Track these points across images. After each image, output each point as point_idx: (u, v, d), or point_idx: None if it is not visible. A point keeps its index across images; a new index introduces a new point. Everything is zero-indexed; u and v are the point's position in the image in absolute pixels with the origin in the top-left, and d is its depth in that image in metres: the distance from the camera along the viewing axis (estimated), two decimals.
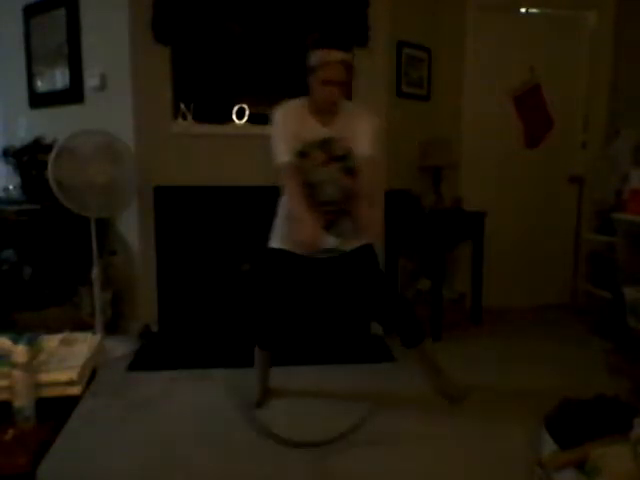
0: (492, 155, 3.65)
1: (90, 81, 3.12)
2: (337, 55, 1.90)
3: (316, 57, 1.92)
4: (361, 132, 2.01)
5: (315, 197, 2.05)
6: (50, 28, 3.25)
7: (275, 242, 2.17)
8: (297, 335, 2.89)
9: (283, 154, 1.98)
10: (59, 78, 3.28)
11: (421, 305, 3.27)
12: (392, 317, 2.25)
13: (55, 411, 1.08)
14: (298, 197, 1.97)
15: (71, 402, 1.12)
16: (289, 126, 2.00)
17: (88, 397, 1.21)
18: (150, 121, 2.95)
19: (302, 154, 2.01)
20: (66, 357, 1.20)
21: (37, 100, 3.43)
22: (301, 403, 2.33)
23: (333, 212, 2.07)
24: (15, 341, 1.06)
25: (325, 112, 2.03)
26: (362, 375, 2.61)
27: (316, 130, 2.02)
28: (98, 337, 1.36)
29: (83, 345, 1.28)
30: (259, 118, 2.88)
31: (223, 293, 3.03)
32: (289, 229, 2.06)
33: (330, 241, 2.07)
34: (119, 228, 3.14)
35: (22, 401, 1.01)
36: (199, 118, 2.96)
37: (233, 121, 2.99)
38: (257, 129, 2.89)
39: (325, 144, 2.02)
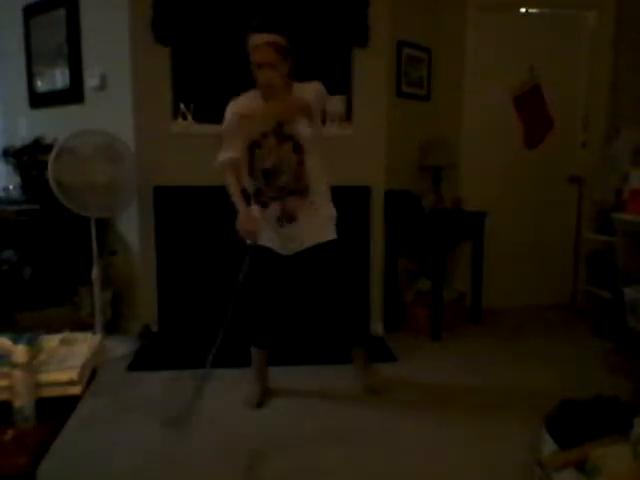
0: (492, 155, 3.65)
1: (90, 81, 3.12)
2: (262, 37, 1.99)
3: (248, 43, 2.03)
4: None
5: (272, 183, 2.11)
6: (50, 28, 3.26)
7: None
8: (296, 334, 2.89)
9: (224, 152, 2.12)
10: (59, 78, 3.29)
11: (421, 305, 3.28)
12: (333, 320, 2.36)
13: (55, 411, 1.08)
14: (238, 193, 2.12)
15: (71, 402, 1.12)
16: (239, 121, 2.11)
17: (88, 397, 1.21)
18: (150, 121, 2.95)
19: (256, 144, 2.09)
20: (66, 357, 1.20)
21: (37, 100, 3.43)
22: (301, 403, 2.33)
23: (286, 196, 2.12)
24: (15, 341, 1.06)
25: (272, 97, 2.09)
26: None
27: (267, 118, 2.09)
28: (98, 337, 1.36)
29: (83, 345, 1.28)
30: None
31: (223, 293, 3.02)
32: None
33: (290, 245, 2.19)
34: (119, 228, 3.14)
35: (22, 401, 1.01)
36: (199, 118, 2.95)
37: None
38: None
39: (276, 129, 2.08)
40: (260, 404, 2.28)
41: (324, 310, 2.38)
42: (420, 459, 1.90)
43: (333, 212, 2.26)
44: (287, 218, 2.14)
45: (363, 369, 2.48)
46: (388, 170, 3.17)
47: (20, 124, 3.46)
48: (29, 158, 3.08)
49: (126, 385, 2.49)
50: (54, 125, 3.16)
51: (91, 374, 1.24)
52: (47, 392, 1.09)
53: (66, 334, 1.33)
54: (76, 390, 1.13)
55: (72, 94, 3.20)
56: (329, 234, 2.23)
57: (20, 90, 3.45)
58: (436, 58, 3.53)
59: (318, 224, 2.20)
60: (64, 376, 1.12)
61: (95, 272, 2.82)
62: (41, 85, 3.41)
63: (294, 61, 2.10)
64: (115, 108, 3.01)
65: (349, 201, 3.06)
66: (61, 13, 3.19)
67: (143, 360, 2.78)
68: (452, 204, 3.38)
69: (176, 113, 2.95)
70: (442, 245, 3.18)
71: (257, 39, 2.00)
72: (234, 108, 2.15)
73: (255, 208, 2.19)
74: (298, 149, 2.09)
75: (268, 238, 2.20)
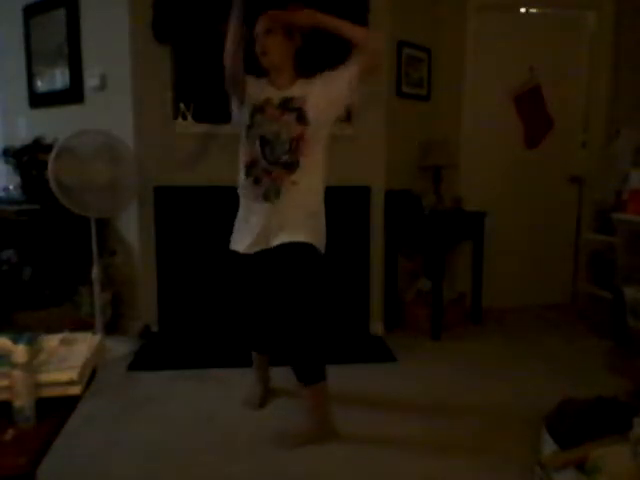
0: (492, 155, 3.65)
1: (90, 81, 3.12)
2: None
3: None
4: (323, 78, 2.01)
5: (267, 154, 1.98)
6: (50, 28, 3.26)
7: (232, 243, 2.14)
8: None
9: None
10: (59, 78, 3.29)
11: (421, 305, 3.28)
12: (285, 344, 2.02)
13: (55, 411, 1.08)
14: None
15: (71, 402, 1.12)
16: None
17: (88, 397, 1.21)
18: (150, 121, 2.95)
19: (259, 109, 1.99)
20: (66, 357, 1.20)
21: (37, 100, 3.43)
22: (301, 403, 2.33)
23: (277, 168, 1.97)
24: (15, 341, 1.06)
25: (276, 73, 2.01)
26: (362, 375, 2.61)
27: (273, 92, 2.00)
28: (98, 337, 1.36)
29: (83, 345, 1.28)
30: None
31: (223, 293, 3.03)
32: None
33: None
34: (119, 228, 3.14)
35: (22, 401, 1.01)
36: (199, 118, 2.95)
37: None
38: None
39: (284, 103, 1.97)
40: (261, 405, 2.28)
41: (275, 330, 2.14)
42: (419, 458, 1.90)
43: (317, 210, 2.06)
44: (274, 191, 1.97)
45: (311, 418, 2.05)
46: (388, 170, 3.17)
47: (20, 124, 3.46)
48: (29, 158, 3.08)
49: (126, 385, 2.49)
50: (54, 125, 3.16)
51: (91, 374, 1.24)
52: (47, 392, 1.09)
53: (66, 334, 1.33)
54: (76, 390, 1.13)
55: (72, 94, 3.20)
56: (303, 234, 1.98)
57: (20, 90, 3.45)
58: (436, 58, 3.53)
59: (295, 214, 1.98)
60: (64, 376, 1.11)
61: (95, 272, 2.82)
62: (41, 85, 3.41)
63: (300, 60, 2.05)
64: (115, 108, 3.01)
65: (349, 201, 3.07)
66: (61, 13, 3.19)
67: (143, 360, 2.78)
68: (452, 204, 3.38)
69: (176, 113, 2.95)
70: (442, 245, 3.18)
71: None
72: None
73: (246, 185, 2.03)
74: (302, 120, 1.95)
75: (248, 243, 2.05)
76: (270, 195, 1.97)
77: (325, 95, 1.98)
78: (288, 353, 2.01)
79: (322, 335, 2.03)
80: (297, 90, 1.99)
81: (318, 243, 2.02)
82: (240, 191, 2.10)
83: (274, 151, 1.96)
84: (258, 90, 2.01)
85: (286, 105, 1.97)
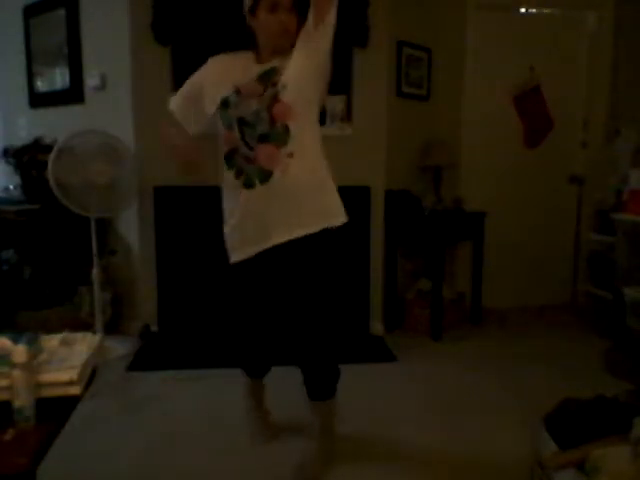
0: (492, 155, 3.65)
1: (90, 81, 3.12)
2: None
3: None
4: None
5: (248, 137, 1.69)
6: (50, 28, 3.26)
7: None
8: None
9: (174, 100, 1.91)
10: (59, 78, 3.29)
11: (421, 305, 3.28)
12: (300, 354, 1.80)
13: (55, 411, 1.08)
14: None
15: (71, 402, 1.12)
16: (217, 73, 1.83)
17: (88, 397, 1.21)
18: (150, 121, 2.94)
19: (236, 91, 1.69)
20: (66, 357, 1.20)
21: (37, 100, 3.43)
22: (301, 403, 2.32)
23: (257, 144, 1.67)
24: (15, 341, 1.06)
25: (277, 53, 1.70)
26: (362, 375, 2.61)
27: (256, 68, 1.70)
28: (98, 337, 1.36)
29: (83, 345, 1.28)
30: None
31: (223, 293, 3.03)
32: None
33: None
34: (119, 228, 3.14)
35: (22, 401, 1.01)
36: None
37: None
38: None
39: (264, 76, 1.67)
40: (275, 434, 2.07)
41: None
42: (420, 457, 1.90)
43: (326, 175, 1.76)
44: (260, 174, 1.65)
45: (323, 437, 1.87)
46: (388, 170, 3.17)
47: (20, 124, 3.46)
48: (29, 158, 3.08)
49: (126, 385, 2.49)
50: (54, 125, 3.16)
51: (91, 374, 1.24)
52: (47, 392, 1.09)
53: (66, 334, 1.33)
54: (76, 390, 1.13)
55: (72, 94, 3.20)
56: (322, 216, 1.72)
57: (20, 90, 3.45)
58: (436, 58, 3.53)
59: (301, 187, 1.67)
60: (64, 376, 1.12)
61: (95, 272, 2.82)
62: (41, 85, 3.41)
63: None
64: (115, 108, 3.01)
65: (349, 201, 3.06)
66: (61, 13, 3.19)
67: (143, 360, 2.78)
68: (452, 204, 3.38)
69: None
70: (442, 245, 3.18)
71: None
72: (210, 66, 1.86)
73: (228, 178, 1.77)
74: (279, 86, 1.63)
75: (238, 241, 1.77)
76: (254, 179, 1.67)
77: (300, 52, 1.65)
78: (304, 364, 1.79)
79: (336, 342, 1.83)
80: (277, 60, 1.68)
81: (334, 218, 1.77)
82: (225, 173, 1.78)
83: (256, 131, 1.66)
84: (237, 73, 1.73)
85: (268, 78, 1.66)
